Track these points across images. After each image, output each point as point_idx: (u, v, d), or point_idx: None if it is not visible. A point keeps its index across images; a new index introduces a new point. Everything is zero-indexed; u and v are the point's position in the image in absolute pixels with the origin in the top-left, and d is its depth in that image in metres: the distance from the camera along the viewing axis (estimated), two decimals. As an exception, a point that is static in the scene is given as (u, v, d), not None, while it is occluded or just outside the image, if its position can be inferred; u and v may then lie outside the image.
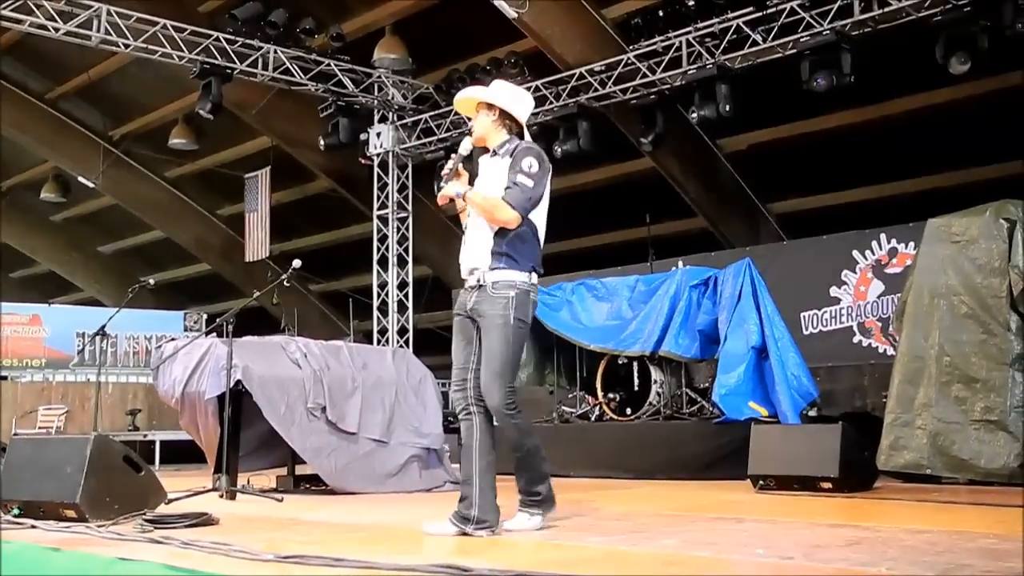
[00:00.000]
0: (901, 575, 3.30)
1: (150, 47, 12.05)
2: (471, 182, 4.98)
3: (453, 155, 4.98)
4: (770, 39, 10.61)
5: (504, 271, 4.75)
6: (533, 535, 4.62)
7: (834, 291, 11.64)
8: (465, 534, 4.58)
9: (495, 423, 4.78)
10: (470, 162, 4.99)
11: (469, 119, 5.19)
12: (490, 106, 4.97)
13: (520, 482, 4.87)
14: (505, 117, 4.96)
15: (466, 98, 5.13)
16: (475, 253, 4.83)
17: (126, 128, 17.80)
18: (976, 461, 6.82)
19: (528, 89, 12.53)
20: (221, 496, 6.71)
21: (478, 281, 4.78)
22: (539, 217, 4.88)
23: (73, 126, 17.80)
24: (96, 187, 17.58)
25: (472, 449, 4.75)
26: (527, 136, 5.04)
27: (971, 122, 11.31)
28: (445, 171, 4.97)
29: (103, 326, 8.29)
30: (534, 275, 4.82)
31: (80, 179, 17.29)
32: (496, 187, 4.80)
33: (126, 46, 11.93)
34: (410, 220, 14.62)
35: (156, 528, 4.79)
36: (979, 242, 7.09)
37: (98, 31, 11.62)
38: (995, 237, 7.01)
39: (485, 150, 5.03)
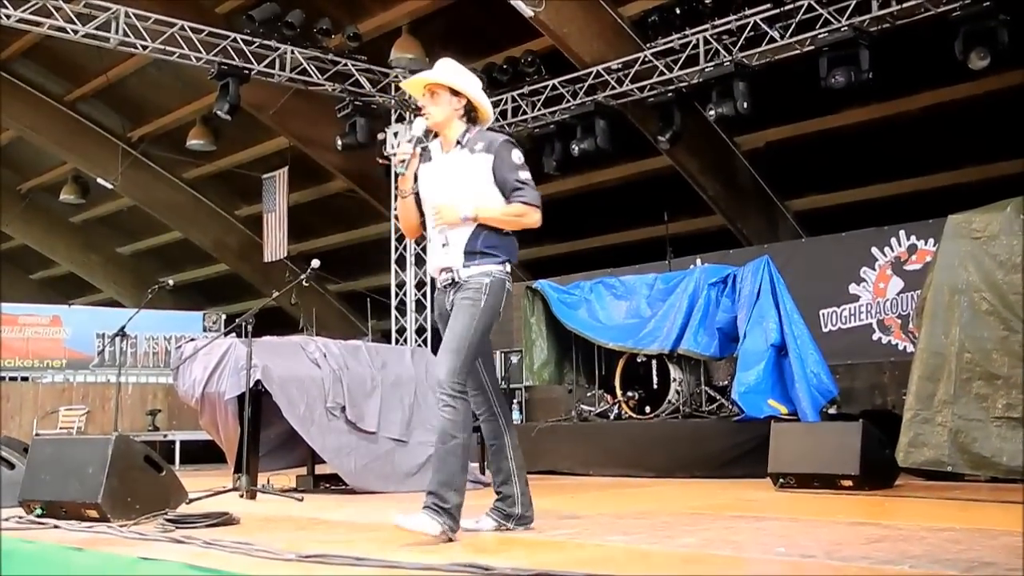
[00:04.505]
0: (923, 573, 3.28)
1: (168, 48, 12.09)
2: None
3: (404, 137, 4.60)
4: (787, 36, 10.59)
5: (478, 266, 4.54)
6: (554, 534, 4.60)
7: (853, 288, 11.58)
8: (507, 529, 4.68)
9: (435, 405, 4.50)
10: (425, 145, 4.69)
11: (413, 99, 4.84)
12: (454, 92, 4.64)
13: (432, 482, 4.37)
14: (470, 108, 4.67)
15: (432, 80, 4.67)
16: (449, 255, 4.59)
17: (144, 129, 17.86)
18: (998, 458, 6.76)
19: (545, 88, 12.72)
20: (241, 496, 6.74)
21: (452, 279, 4.57)
22: None
23: (91, 128, 17.87)
24: (114, 188, 17.65)
25: (505, 448, 4.74)
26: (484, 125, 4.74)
27: (991, 117, 11.24)
28: (400, 157, 4.64)
29: (123, 327, 8.30)
30: (508, 265, 4.61)
31: (99, 181, 17.36)
32: (472, 182, 4.55)
33: (144, 48, 11.98)
34: (428, 219, 14.60)
35: (177, 528, 4.81)
36: (1000, 238, 7.03)
37: (116, 33, 11.67)
38: (1016, 233, 6.95)
39: (434, 135, 4.72)
